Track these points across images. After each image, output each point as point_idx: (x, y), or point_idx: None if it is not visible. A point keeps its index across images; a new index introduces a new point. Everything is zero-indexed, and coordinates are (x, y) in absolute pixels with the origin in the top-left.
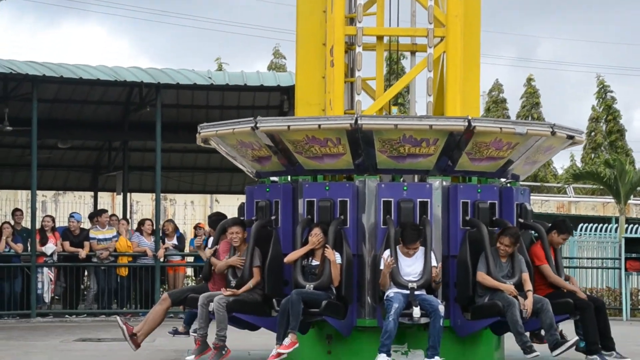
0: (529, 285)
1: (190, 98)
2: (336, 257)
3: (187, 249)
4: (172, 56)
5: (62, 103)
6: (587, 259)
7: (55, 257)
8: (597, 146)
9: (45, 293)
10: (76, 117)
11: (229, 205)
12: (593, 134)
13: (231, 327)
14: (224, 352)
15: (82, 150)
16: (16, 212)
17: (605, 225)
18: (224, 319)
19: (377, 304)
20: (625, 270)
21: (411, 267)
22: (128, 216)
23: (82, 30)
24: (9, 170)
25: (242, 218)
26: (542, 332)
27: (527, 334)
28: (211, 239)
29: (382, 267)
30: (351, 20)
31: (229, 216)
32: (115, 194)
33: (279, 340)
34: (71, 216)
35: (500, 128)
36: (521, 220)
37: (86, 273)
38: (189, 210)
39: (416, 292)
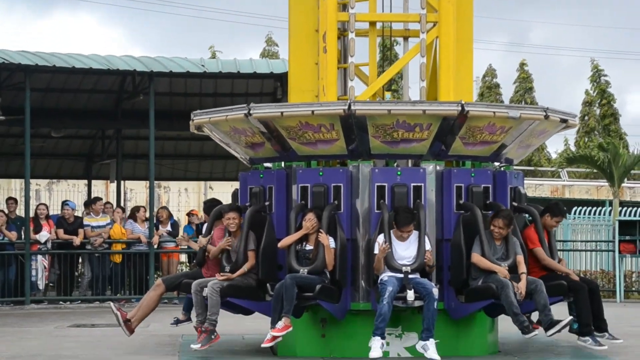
0: (523, 268)
1: (184, 86)
2: (330, 242)
3: (180, 236)
4: (164, 45)
5: (55, 92)
6: (581, 241)
7: (49, 245)
8: (590, 130)
9: (40, 280)
10: (69, 106)
11: (223, 192)
12: (586, 118)
13: (225, 311)
14: (212, 337)
15: (76, 139)
16: (10, 200)
17: (599, 208)
18: (216, 304)
19: (371, 287)
20: (619, 252)
21: (405, 251)
22: (122, 204)
23: (74, 20)
24: (2, 159)
25: (238, 204)
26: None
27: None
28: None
29: (376, 251)
30: (344, 7)
31: (224, 203)
32: (108, 181)
33: (273, 324)
34: (66, 204)
35: (494, 112)
36: (515, 204)
37: (80, 260)
38: (182, 198)
39: (410, 276)
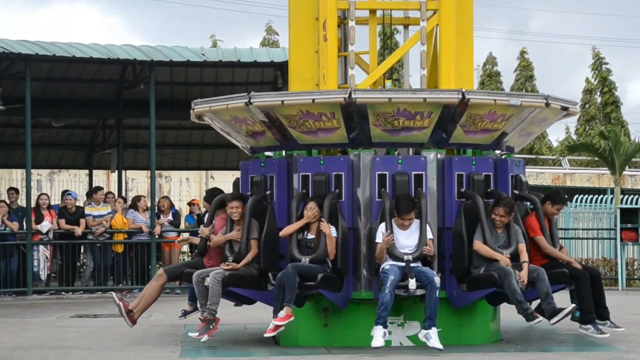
0: (524, 257)
1: (184, 75)
2: (331, 231)
3: (182, 226)
4: (164, 35)
5: (56, 82)
6: (583, 229)
7: (50, 235)
8: (590, 118)
9: (42, 271)
10: (70, 96)
11: (225, 181)
12: (587, 106)
13: (228, 301)
14: (211, 327)
15: (77, 129)
16: (11, 190)
17: (601, 196)
18: (217, 294)
19: (372, 276)
20: (621, 240)
21: (407, 239)
22: (123, 193)
23: (74, 10)
24: (3, 149)
25: (241, 193)
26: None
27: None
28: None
29: (378, 240)
30: None
31: (225, 192)
32: (110, 171)
33: (276, 314)
34: (68, 194)
35: (495, 100)
36: (516, 192)
37: (82, 250)
38: (184, 187)
39: (412, 264)
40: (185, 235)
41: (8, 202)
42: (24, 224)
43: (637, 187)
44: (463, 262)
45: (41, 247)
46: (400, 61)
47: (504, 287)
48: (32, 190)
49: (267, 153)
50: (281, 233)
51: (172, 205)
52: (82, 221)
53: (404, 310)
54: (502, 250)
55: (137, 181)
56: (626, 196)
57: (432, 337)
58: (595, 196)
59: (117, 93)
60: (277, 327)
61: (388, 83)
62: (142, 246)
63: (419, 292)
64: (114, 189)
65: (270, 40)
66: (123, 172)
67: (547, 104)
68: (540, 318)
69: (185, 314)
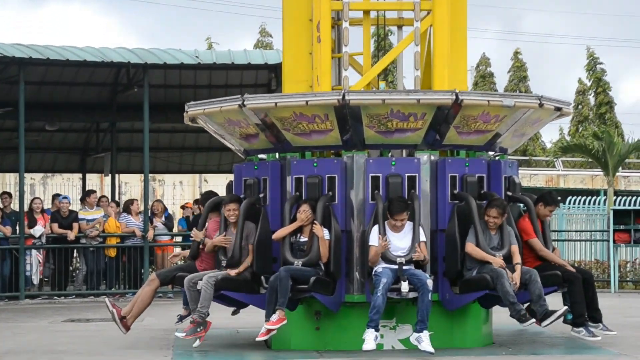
0: (517, 258)
1: (178, 78)
2: (324, 234)
3: (175, 229)
4: (159, 37)
5: (50, 85)
6: (576, 231)
7: (43, 239)
8: (583, 119)
9: (34, 275)
10: (64, 99)
11: (218, 184)
12: (580, 106)
13: (221, 305)
14: (199, 330)
15: (70, 133)
16: (4, 195)
17: (594, 198)
18: (209, 297)
19: (365, 279)
20: (614, 242)
21: (400, 242)
22: (117, 197)
23: (67, 11)
24: None
25: (238, 195)
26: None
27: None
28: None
29: (371, 242)
30: None
31: (220, 195)
32: (103, 175)
33: (268, 317)
34: (64, 197)
35: (488, 101)
36: (509, 194)
37: (75, 254)
38: (177, 191)
39: (404, 267)
40: (178, 250)
41: (1, 206)
42: (17, 228)
43: (631, 188)
44: (456, 264)
45: (34, 252)
46: (394, 62)
47: (496, 290)
48: (25, 194)
49: (261, 156)
50: (274, 236)
51: (165, 209)
52: (75, 225)
53: (396, 313)
54: (495, 252)
55: (131, 185)
56: (619, 197)
57: (424, 341)
58: (589, 198)
59: (111, 96)
60: (269, 330)
61: (382, 84)
62: (135, 250)
63: (412, 295)
64: (107, 192)
65: (264, 42)
66: (116, 175)
67: (541, 105)
68: (533, 320)
69: (181, 318)
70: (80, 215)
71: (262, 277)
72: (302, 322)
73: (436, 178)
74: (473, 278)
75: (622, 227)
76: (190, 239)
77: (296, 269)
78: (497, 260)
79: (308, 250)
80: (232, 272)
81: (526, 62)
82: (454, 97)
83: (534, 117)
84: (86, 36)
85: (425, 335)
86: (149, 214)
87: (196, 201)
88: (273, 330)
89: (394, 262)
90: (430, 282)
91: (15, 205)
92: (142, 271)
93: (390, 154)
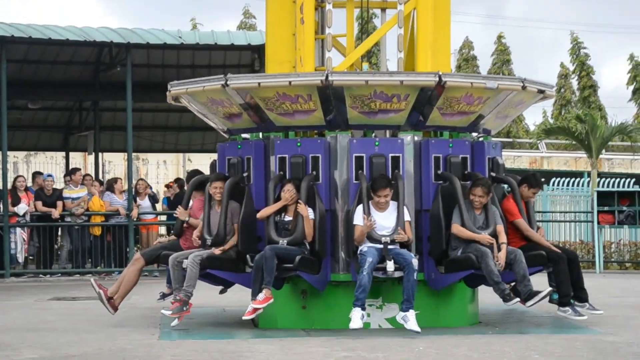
0: (503, 238)
1: (161, 58)
2: (309, 213)
3: (159, 208)
4: (142, 18)
5: (32, 63)
6: (560, 212)
7: (27, 217)
8: (566, 103)
9: (19, 253)
10: (46, 78)
11: (202, 164)
12: (562, 90)
13: (207, 284)
14: (185, 308)
15: (53, 111)
16: None
17: (578, 179)
18: (195, 276)
19: (350, 258)
20: (598, 223)
21: (384, 221)
22: (100, 176)
23: None
24: None
25: (224, 173)
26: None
27: None
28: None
29: (356, 222)
30: None
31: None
32: (86, 154)
33: (254, 296)
34: (48, 175)
35: (471, 83)
36: (493, 174)
37: (59, 233)
38: (161, 170)
39: (389, 247)
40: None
41: None
42: (1, 206)
43: (614, 170)
44: (441, 244)
45: (18, 230)
46: (377, 45)
47: (481, 269)
48: (9, 172)
49: (244, 135)
50: (258, 215)
51: (148, 188)
52: (59, 203)
53: (382, 292)
54: (480, 231)
55: (114, 164)
56: (603, 179)
57: (410, 320)
58: (572, 179)
59: (93, 75)
60: (255, 309)
61: (365, 66)
62: (120, 229)
63: (397, 274)
64: (90, 171)
65: (248, 24)
66: (100, 154)
67: (524, 87)
68: (517, 299)
69: (163, 296)
70: (65, 194)
71: (248, 256)
72: (288, 301)
73: (420, 158)
74: (458, 258)
75: (605, 208)
76: (175, 216)
77: (281, 248)
78: (484, 237)
79: (293, 229)
80: (217, 251)
81: (509, 46)
82: (437, 78)
83: (517, 99)
84: (69, 15)
85: (411, 314)
86: (133, 193)
87: (177, 180)
88: (259, 309)
89: (379, 242)
90: (415, 262)
91: None
92: (127, 250)
93: (373, 135)
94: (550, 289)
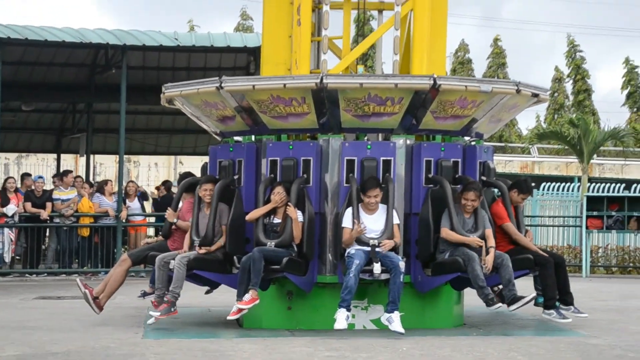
0: (491, 242)
1: (157, 60)
2: (298, 215)
3: (148, 210)
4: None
5: (28, 65)
6: (549, 217)
7: (16, 218)
8: (559, 107)
9: (6, 253)
10: (42, 80)
11: (194, 167)
12: (556, 94)
13: (193, 284)
14: (172, 310)
15: (47, 113)
16: None
17: (568, 184)
18: (181, 278)
19: (337, 260)
20: (586, 228)
21: (373, 224)
22: (91, 178)
23: None
24: None
25: (215, 176)
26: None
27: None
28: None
29: (344, 224)
30: None
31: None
32: (78, 155)
33: (240, 297)
34: (39, 177)
35: (466, 86)
36: (484, 178)
37: (47, 233)
38: (152, 172)
39: (377, 249)
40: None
41: None
42: None
43: (605, 175)
44: (428, 247)
45: (6, 230)
46: (374, 47)
47: (467, 272)
48: None
49: (236, 138)
50: (248, 217)
51: (138, 190)
52: (49, 204)
53: (368, 294)
54: (470, 235)
55: (106, 166)
56: (593, 184)
57: (394, 321)
58: (563, 184)
59: (88, 77)
60: (240, 310)
61: (360, 68)
62: (108, 230)
63: (384, 276)
64: (82, 173)
65: (245, 26)
66: (91, 156)
67: (518, 91)
68: (500, 304)
69: (144, 294)
70: (55, 195)
71: (235, 258)
72: (274, 301)
73: (411, 162)
74: (445, 260)
75: (594, 213)
76: (165, 218)
77: (269, 249)
78: (473, 240)
79: (281, 231)
80: (202, 250)
81: (505, 49)
82: (432, 82)
83: (511, 103)
84: (65, 17)
85: (396, 315)
86: (123, 195)
87: (164, 183)
88: (244, 309)
89: (367, 244)
90: (402, 264)
91: None
92: (115, 251)
93: (366, 138)
94: (534, 294)
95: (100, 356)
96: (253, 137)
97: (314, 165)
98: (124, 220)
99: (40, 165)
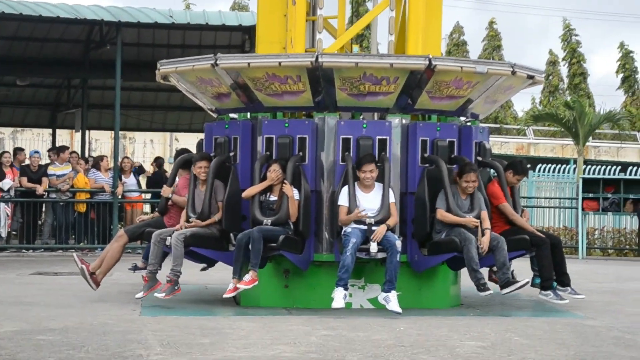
0: (487, 223)
1: (152, 37)
2: (294, 193)
3: (144, 184)
4: None
5: (22, 40)
6: (545, 198)
7: (12, 193)
8: (554, 89)
9: (2, 228)
10: (36, 55)
11: (189, 144)
12: (551, 77)
13: (189, 261)
14: (176, 288)
15: (41, 88)
16: None
17: (564, 166)
18: (181, 255)
19: (334, 239)
20: (582, 210)
21: (369, 203)
22: (87, 154)
23: None
24: None
25: (209, 153)
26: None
27: (483, 270)
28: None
29: (340, 202)
30: None
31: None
32: (74, 131)
33: (235, 274)
34: (35, 152)
35: (461, 67)
36: (479, 159)
37: (44, 209)
38: (148, 149)
39: (373, 228)
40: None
41: None
42: None
43: (600, 158)
44: (425, 227)
45: (2, 205)
46: (369, 28)
47: (463, 253)
48: None
49: (232, 115)
50: (244, 194)
51: (133, 166)
52: (44, 180)
53: (365, 273)
54: (465, 216)
55: (101, 141)
56: (589, 166)
57: (391, 301)
58: (558, 166)
59: (83, 53)
60: (236, 288)
61: (355, 48)
62: (105, 206)
63: (380, 255)
64: (77, 148)
65: (240, 4)
66: (87, 132)
67: (514, 72)
68: (491, 291)
69: (135, 268)
70: (50, 171)
71: (232, 235)
72: (271, 279)
73: (407, 141)
74: (442, 240)
75: (590, 195)
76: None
77: (266, 228)
78: (469, 220)
79: (277, 209)
80: (198, 223)
81: (500, 32)
82: (427, 62)
83: (506, 84)
84: None
85: (393, 295)
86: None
87: (156, 159)
88: (242, 289)
89: (364, 223)
90: (399, 244)
91: None
92: (112, 227)
93: (362, 117)
94: (527, 280)
95: (98, 333)
96: (249, 115)
97: (309, 143)
98: (120, 196)
99: (36, 140)
